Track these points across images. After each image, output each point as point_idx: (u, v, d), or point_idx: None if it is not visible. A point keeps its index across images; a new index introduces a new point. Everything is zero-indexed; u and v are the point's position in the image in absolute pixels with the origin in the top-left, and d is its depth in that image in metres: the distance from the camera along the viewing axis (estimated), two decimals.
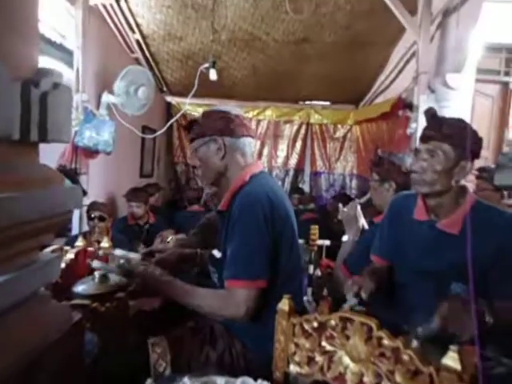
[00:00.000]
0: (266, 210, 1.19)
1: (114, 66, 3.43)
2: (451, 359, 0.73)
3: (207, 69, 3.18)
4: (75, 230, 3.04)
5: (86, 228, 2.96)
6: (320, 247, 2.83)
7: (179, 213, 4.10)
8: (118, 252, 1.49)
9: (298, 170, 5.55)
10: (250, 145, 1.36)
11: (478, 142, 1.26)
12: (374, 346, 0.83)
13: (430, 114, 1.29)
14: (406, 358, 0.79)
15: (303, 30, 3.75)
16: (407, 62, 3.64)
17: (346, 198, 4.77)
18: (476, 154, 1.25)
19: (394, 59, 3.95)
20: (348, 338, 0.87)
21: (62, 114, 0.78)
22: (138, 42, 4.10)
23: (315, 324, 0.93)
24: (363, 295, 1.14)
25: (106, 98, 3.19)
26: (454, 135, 1.20)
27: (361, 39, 3.84)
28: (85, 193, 3.04)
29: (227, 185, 1.34)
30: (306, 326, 0.94)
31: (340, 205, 2.10)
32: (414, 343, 0.96)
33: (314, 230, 2.74)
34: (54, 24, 3.06)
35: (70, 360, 0.83)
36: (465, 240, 1.16)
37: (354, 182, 5.41)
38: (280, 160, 5.54)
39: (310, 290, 2.76)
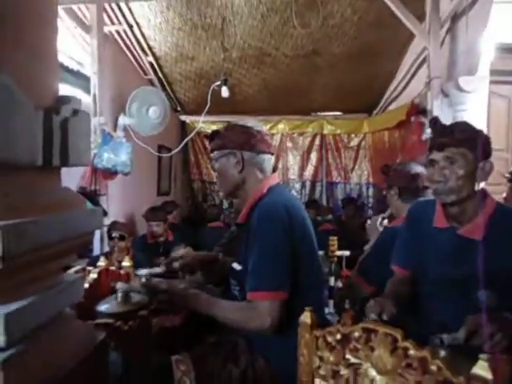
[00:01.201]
0: (284, 221, 1.20)
1: (129, 89, 3.53)
2: (482, 368, 0.71)
3: (219, 86, 3.25)
4: (96, 251, 3.10)
5: (106, 248, 3.01)
6: (340, 258, 2.80)
7: (200, 229, 4.14)
8: (142, 272, 1.51)
9: (315, 181, 5.53)
10: (270, 161, 1.38)
11: (488, 141, 1.25)
12: (400, 356, 0.81)
13: (438, 123, 1.28)
14: (433, 368, 0.77)
15: (312, 42, 3.79)
16: (418, 67, 3.63)
17: (351, 203, 4.75)
18: (489, 153, 1.24)
19: (404, 66, 3.95)
20: (373, 349, 0.86)
21: (81, 139, 0.81)
22: (151, 64, 4.22)
23: (338, 336, 0.91)
24: (384, 317, 1.11)
25: (122, 120, 3.28)
26: (468, 138, 1.20)
27: (370, 48, 3.85)
28: (105, 213, 3.11)
29: (245, 197, 1.36)
30: (330, 339, 0.93)
31: (368, 220, 2.17)
32: (442, 353, 0.94)
33: (333, 241, 2.73)
34: (71, 52, 3.20)
35: (96, 379, 0.85)
36: (488, 245, 1.13)
37: (371, 191, 5.35)
38: (295, 172, 5.54)
39: (331, 303, 2.72)
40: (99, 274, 1.38)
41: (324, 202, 5.41)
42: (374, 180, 5.24)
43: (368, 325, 0.87)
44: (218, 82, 3.23)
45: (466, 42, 2.69)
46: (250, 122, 1.39)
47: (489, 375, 0.70)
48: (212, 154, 1.42)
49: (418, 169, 1.87)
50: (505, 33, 3.51)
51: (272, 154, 1.40)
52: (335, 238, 2.75)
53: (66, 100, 0.79)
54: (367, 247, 2.02)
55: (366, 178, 5.38)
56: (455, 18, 2.97)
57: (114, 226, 2.88)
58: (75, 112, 0.79)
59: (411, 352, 0.80)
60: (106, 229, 2.93)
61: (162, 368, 1.13)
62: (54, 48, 0.82)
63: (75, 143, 0.78)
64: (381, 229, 2.03)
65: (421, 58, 3.44)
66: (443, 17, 2.98)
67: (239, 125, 1.36)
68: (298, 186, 5.54)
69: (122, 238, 2.82)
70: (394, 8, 2.96)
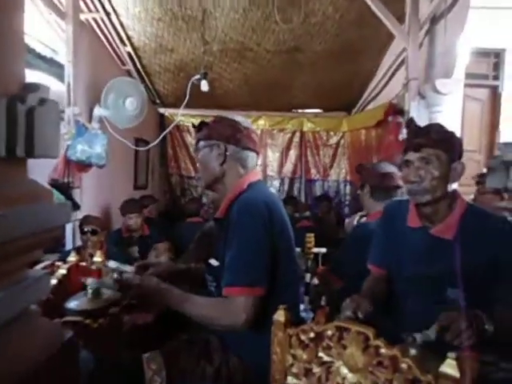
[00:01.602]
0: (264, 216, 1.19)
1: (106, 79, 3.43)
2: (450, 367, 0.72)
3: (198, 80, 3.20)
4: (69, 245, 3.01)
5: (79, 242, 2.93)
6: (316, 255, 2.82)
7: (178, 224, 4.08)
8: (112, 264, 1.47)
9: (293, 178, 5.55)
10: (253, 159, 1.37)
11: (460, 143, 1.28)
12: (372, 355, 0.82)
13: (414, 124, 1.31)
14: (404, 366, 0.78)
15: (294, 39, 3.79)
16: (397, 68, 3.69)
17: (325, 200, 4.81)
18: (461, 155, 1.27)
19: (384, 66, 4.00)
20: (345, 347, 0.86)
21: (49, 130, 0.77)
22: (129, 54, 4.12)
23: (312, 334, 0.91)
24: (360, 315, 1.13)
25: (98, 111, 3.18)
26: (443, 140, 1.22)
27: (351, 47, 3.88)
28: (78, 207, 3.02)
29: (223, 191, 1.35)
30: (303, 337, 0.93)
31: (347, 219, 2.20)
32: (412, 351, 0.95)
33: (310, 237, 2.74)
34: (45, 39, 3.07)
35: (65, 378, 0.81)
36: (459, 244, 1.16)
37: (348, 189, 5.42)
38: (274, 169, 5.55)
39: (307, 299, 2.75)
40: (69, 269, 1.33)
41: (302, 199, 5.44)
42: (351, 178, 5.31)
43: (341, 323, 0.87)
44: (198, 76, 3.18)
45: (444, 45, 2.74)
46: (240, 118, 1.39)
47: (456, 373, 0.72)
48: (197, 145, 1.41)
49: (390, 168, 1.90)
50: (480, 37, 3.61)
51: (257, 153, 1.40)
52: (312, 234, 2.76)
53: (32, 88, 0.75)
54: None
55: (343, 175, 5.44)
56: (434, 20, 3.03)
57: (86, 220, 2.80)
58: (42, 101, 0.75)
59: (382, 350, 0.81)
60: (78, 223, 2.85)
61: (133, 366, 1.10)
62: (20, 31, 0.78)
63: (42, 134, 0.74)
64: None
65: (400, 59, 3.49)
66: (422, 18, 3.04)
67: (227, 118, 1.36)
68: (276, 182, 5.55)
69: (94, 232, 2.75)
70: (374, 8, 2.99)
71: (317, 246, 2.74)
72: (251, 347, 1.16)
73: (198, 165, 1.40)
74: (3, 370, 0.66)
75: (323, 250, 2.81)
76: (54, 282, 1.23)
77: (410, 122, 1.32)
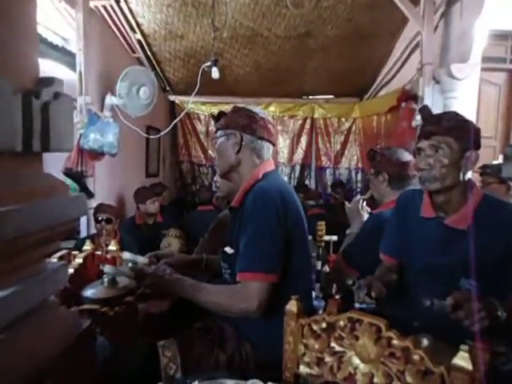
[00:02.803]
0: (278, 206, 1.20)
1: (117, 67, 3.44)
2: (462, 359, 0.72)
3: (209, 67, 3.17)
4: (83, 233, 3.07)
5: (93, 230, 2.98)
6: (327, 243, 2.82)
7: (190, 212, 4.12)
8: (126, 255, 1.49)
9: (304, 165, 5.52)
10: (269, 149, 1.39)
11: (477, 132, 1.25)
12: (384, 346, 0.83)
13: (427, 111, 1.28)
14: (416, 357, 0.78)
15: (305, 24, 3.71)
16: (411, 52, 3.60)
17: (340, 186, 4.78)
18: (478, 144, 1.25)
19: (397, 50, 3.91)
20: (357, 338, 0.87)
21: (63, 123, 0.78)
22: (139, 41, 4.10)
23: (324, 325, 0.92)
24: (373, 294, 1.13)
25: (110, 99, 3.19)
26: (454, 127, 1.20)
27: (363, 31, 3.79)
28: (92, 195, 3.07)
29: (239, 180, 1.37)
30: (315, 327, 0.94)
31: (346, 202, 2.14)
32: (425, 342, 0.96)
33: (321, 225, 2.74)
34: (56, 27, 3.08)
35: (81, 366, 0.84)
36: (473, 235, 1.15)
37: (360, 176, 5.37)
38: (285, 156, 5.52)
39: (317, 286, 2.76)
40: (85, 258, 1.36)
41: (313, 187, 5.42)
42: (362, 165, 5.25)
43: (353, 314, 0.88)
44: (208, 63, 3.15)
45: (460, 28, 2.66)
46: (257, 108, 1.41)
47: (469, 366, 0.72)
48: (215, 134, 1.43)
49: (408, 156, 1.88)
50: (498, 19, 3.49)
51: (273, 144, 1.41)
52: (323, 222, 2.76)
53: (47, 82, 0.76)
54: (349, 231, 2.02)
55: (355, 162, 5.39)
56: (450, 3, 2.93)
57: (100, 208, 2.84)
58: (57, 95, 0.76)
59: (394, 342, 0.81)
60: (92, 211, 2.90)
61: (149, 353, 1.13)
62: (34, 26, 0.78)
63: (57, 128, 0.75)
64: (363, 212, 2.03)
65: (414, 43, 3.41)
66: (438, 1, 2.95)
67: (245, 108, 1.38)
68: (287, 169, 5.53)
69: (108, 221, 2.79)
70: None
71: (328, 233, 2.74)
72: (264, 334, 1.18)
73: (215, 153, 1.42)
74: (24, 359, 0.68)
75: (334, 237, 2.80)
76: (70, 271, 1.26)
77: (423, 109, 1.29)
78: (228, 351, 1.17)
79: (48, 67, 3.26)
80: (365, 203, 2.02)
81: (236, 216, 1.31)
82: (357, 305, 1.14)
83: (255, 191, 1.24)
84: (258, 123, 1.34)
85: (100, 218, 2.78)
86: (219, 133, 1.39)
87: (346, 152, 5.40)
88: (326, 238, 2.77)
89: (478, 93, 2.94)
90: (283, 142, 5.52)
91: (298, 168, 5.53)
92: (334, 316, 0.91)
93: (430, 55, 2.92)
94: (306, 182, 5.42)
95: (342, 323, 0.89)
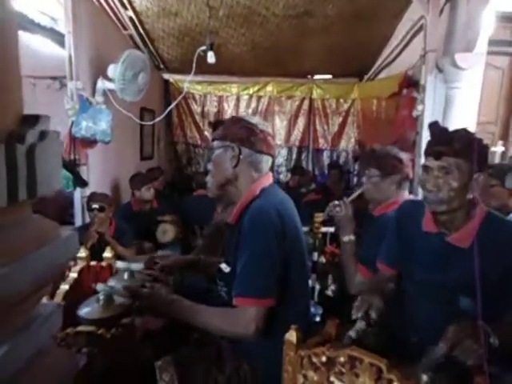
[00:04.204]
0: (276, 226, 1.18)
1: (109, 49, 3.30)
2: None
3: (205, 51, 3.04)
4: (78, 221, 3.03)
5: (88, 219, 2.94)
6: (324, 234, 2.82)
7: (186, 197, 4.07)
8: (120, 264, 1.47)
9: (302, 147, 5.44)
10: (267, 162, 1.34)
11: (487, 151, 1.21)
12: None
13: (438, 129, 1.22)
14: None
15: (304, 3, 3.55)
16: (414, 35, 3.47)
17: (336, 168, 4.73)
18: (485, 164, 1.21)
19: (399, 32, 3.77)
20: (357, 375, 0.86)
21: (51, 165, 0.73)
22: (131, 19, 3.92)
23: (324, 359, 0.91)
24: (373, 315, 1.12)
25: (102, 84, 3.07)
26: (465, 149, 1.15)
27: (365, 11, 3.64)
28: (86, 184, 3.01)
29: (236, 193, 1.33)
30: (314, 360, 0.93)
31: (330, 204, 2.04)
32: (424, 378, 0.95)
33: (318, 217, 2.72)
34: (43, 8, 2.91)
35: None
36: (475, 255, 1.13)
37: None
38: (282, 137, 5.42)
39: (314, 277, 2.78)
40: (80, 272, 1.34)
41: (310, 169, 5.37)
42: (360, 147, 5.19)
43: (353, 352, 0.87)
44: (204, 47, 3.02)
45: (467, 15, 2.54)
46: (255, 119, 1.35)
47: None
48: (212, 143, 1.39)
49: (406, 158, 1.85)
50: (502, 0, 3.34)
51: (272, 156, 1.36)
52: (320, 214, 2.73)
53: (31, 122, 0.70)
54: (347, 239, 1.90)
55: (352, 145, 5.32)
56: None
57: (92, 197, 2.80)
58: (43, 135, 0.71)
59: None
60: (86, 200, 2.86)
61: (147, 373, 1.12)
62: (15, 57, 0.71)
63: (44, 171, 0.70)
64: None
65: (417, 27, 3.28)
66: None
67: (244, 119, 1.33)
68: (284, 151, 5.45)
69: (101, 209, 2.76)
70: None
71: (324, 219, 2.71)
72: (262, 355, 1.18)
73: (211, 165, 1.37)
74: None
75: (331, 229, 2.79)
76: (65, 288, 1.23)
77: (433, 125, 1.24)
78: (226, 372, 1.17)
79: (38, 42, 3.11)
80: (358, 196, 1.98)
81: (233, 233, 1.28)
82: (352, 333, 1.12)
83: (252, 211, 1.21)
84: (258, 136, 1.29)
85: (93, 207, 2.75)
86: (216, 143, 1.34)
87: (344, 134, 5.32)
88: (323, 229, 2.76)
89: (482, 82, 2.86)
90: (280, 123, 5.41)
91: (294, 150, 5.46)
92: (335, 351, 0.90)
93: (434, 41, 2.82)
94: (303, 165, 5.37)
95: (342, 359, 0.88)
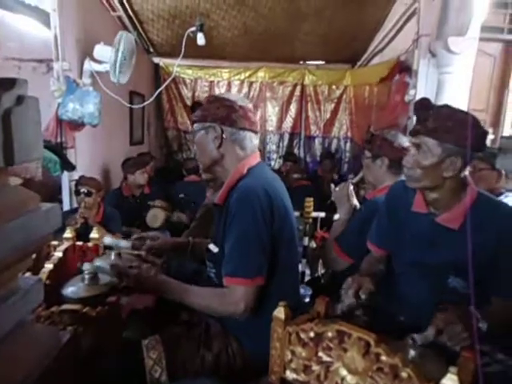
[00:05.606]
0: (264, 206, 1.16)
1: (96, 29, 3.21)
2: (451, 381, 0.72)
3: (194, 33, 2.97)
4: (66, 206, 2.98)
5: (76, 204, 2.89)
6: (315, 219, 2.82)
7: (177, 183, 4.04)
8: (107, 240, 1.44)
9: (293, 133, 5.41)
10: (251, 139, 1.31)
11: (481, 135, 1.18)
12: (372, 360, 0.82)
13: (420, 105, 1.21)
14: (404, 375, 0.78)
15: None
16: (407, 20, 3.44)
17: (328, 158, 4.74)
18: (478, 148, 1.18)
19: (392, 17, 3.73)
20: (345, 350, 0.86)
21: (29, 131, 0.70)
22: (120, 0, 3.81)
23: (312, 334, 0.91)
24: (362, 296, 1.12)
25: (89, 65, 2.99)
26: (439, 129, 1.13)
27: None
28: (73, 167, 2.95)
29: (224, 174, 1.31)
30: (302, 335, 0.92)
31: (332, 185, 2.06)
32: (412, 353, 0.96)
33: (309, 202, 2.72)
34: None
35: (67, 380, 0.82)
36: (465, 235, 1.12)
37: (348, 146, 5.31)
38: (274, 124, 5.38)
39: (304, 261, 2.79)
40: (65, 251, 1.31)
41: (302, 156, 5.35)
42: (352, 135, 5.18)
43: (342, 327, 0.86)
44: (193, 28, 2.95)
45: None
46: (234, 95, 1.32)
47: None
48: (193, 126, 1.35)
49: (405, 141, 1.83)
50: None
51: (255, 133, 1.32)
52: (311, 199, 2.74)
53: (7, 85, 0.67)
54: (337, 217, 1.94)
55: (344, 132, 5.31)
56: None
57: (80, 180, 2.75)
58: (20, 99, 0.67)
59: (383, 358, 0.80)
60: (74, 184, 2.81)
61: (134, 353, 1.11)
62: None
63: (22, 138, 0.67)
64: (352, 198, 1.94)
65: (410, 11, 3.24)
66: None
67: (221, 98, 1.29)
68: (275, 138, 5.42)
69: (88, 193, 2.71)
70: None
71: (314, 205, 2.72)
72: (251, 332, 1.18)
73: (194, 147, 1.34)
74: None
75: (322, 214, 2.80)
76: (50, 266, 1.21)
77: (417, 102, 1.22)
78: (214, 350, 1.16)
79: (21, 23, 3.00)
80: (351, 187, 1.97)
81: (221, 213, 1.26)
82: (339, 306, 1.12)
83: (239, 190, 1.18)
84: (238, 113, 1.26)
85: (81, 191, 2.71)
86: (197, 126, 1.30)
87: (336, 121, 5.30)
88: (314, 214, 2.76)
89: (473, 68, 2.84)
90: (272, 109, 5.37)
91: (286, 137, 5.43)
92: (323, 326, 0.89)
93: (428, 26, 2.79)
94: (295, 151, 5.35)
95: (330, 334, 0.88)
